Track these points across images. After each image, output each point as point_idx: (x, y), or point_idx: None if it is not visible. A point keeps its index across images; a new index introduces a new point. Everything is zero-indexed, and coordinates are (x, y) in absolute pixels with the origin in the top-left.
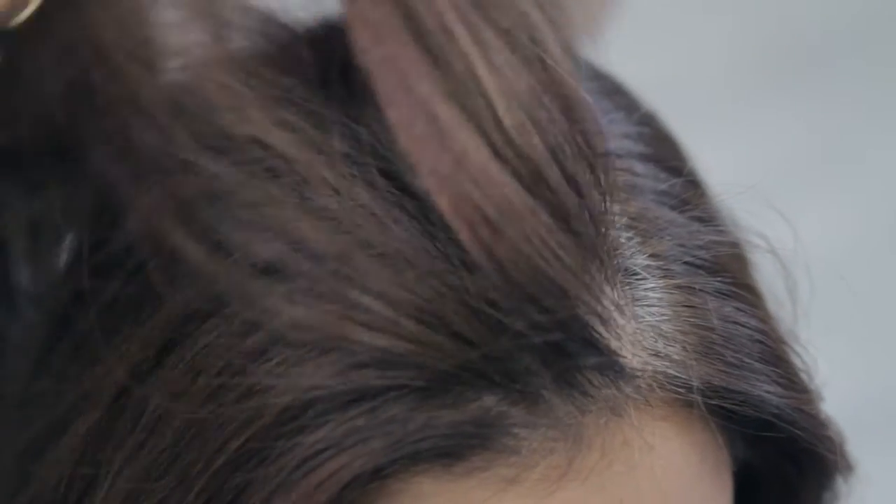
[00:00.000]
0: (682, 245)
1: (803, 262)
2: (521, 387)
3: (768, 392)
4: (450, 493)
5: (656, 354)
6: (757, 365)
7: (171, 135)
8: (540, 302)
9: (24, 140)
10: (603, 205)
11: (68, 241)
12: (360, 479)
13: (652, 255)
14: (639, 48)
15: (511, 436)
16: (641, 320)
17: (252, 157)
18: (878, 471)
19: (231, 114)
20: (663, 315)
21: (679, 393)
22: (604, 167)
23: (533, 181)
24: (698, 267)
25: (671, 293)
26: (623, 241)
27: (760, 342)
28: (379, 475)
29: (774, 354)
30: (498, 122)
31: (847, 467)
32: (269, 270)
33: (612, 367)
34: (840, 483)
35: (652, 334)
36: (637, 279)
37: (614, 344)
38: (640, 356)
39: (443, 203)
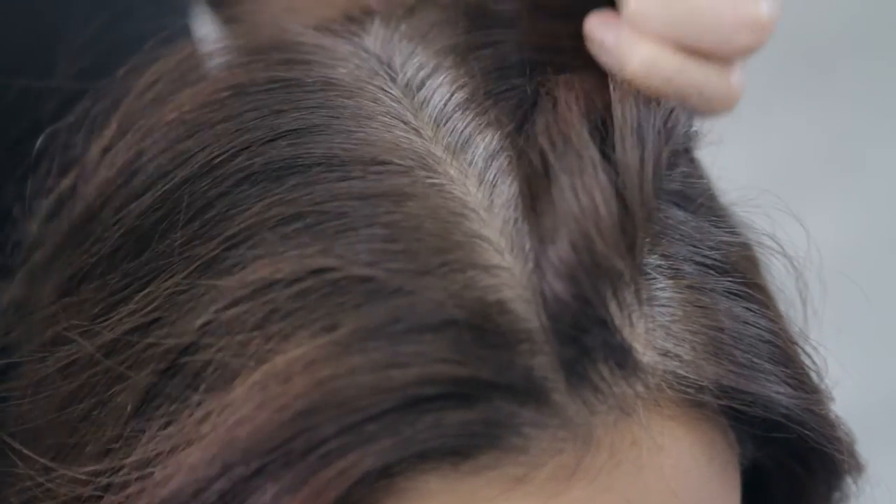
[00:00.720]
0: (692, 245)
1: (813, 263)
2: (532, 386)
3: (778, 392)
4: (457, 492)
5: (666, 354)
6: (766, 365)
7: None
8: (556, 302)
9: None
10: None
11: None
12: (368, 477)
13: (663, 256)
14: None
15: (520, 435)
16: (652, 320)
17: None
18: (887, 471)
19: None
20: (673, 315)
21: (688, 393)
22: None
23: None
24: (709, 267)
25: (681, 293)
26: None
27: (770, 342)
28: (387, 473)
29: (784, 355)
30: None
31: (856, 468)
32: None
33: (624, 361)
34: (849, 483)
35: (662, 334)
36: (648, 279)
37: (626, 342)
38: (650, 355)
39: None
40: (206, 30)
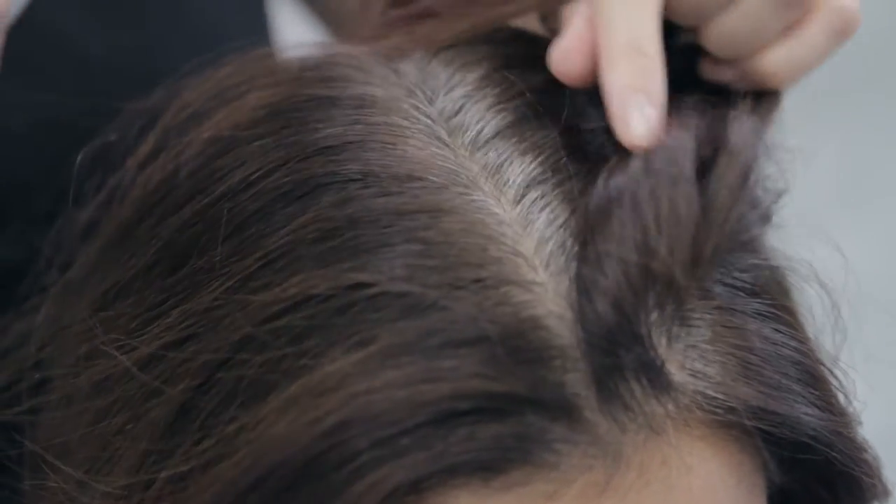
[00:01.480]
0: (722, 267)
1: (842, 286)
2: (563, 402)
3: (806, 414)
4: None
5: (696, 374)
6: (795, 387)
7: None
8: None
9: None
10: None
11: None
12: (399, 491)
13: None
14: None
15: (552, 451)
16: (683, 339)
17: None
18: None
19: None
20: (703, 335)
21: (718, 413)
22: None
23: None
24: (738, 289)
25: (711, 314)
26: None
27: (799, 364)
28: (417, 488)
29: (813, 377)
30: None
31: (883, 492)
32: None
33: (657, 378)
34: None
35: (693, 354)
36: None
37: (660, 359)
38: (680, 375)
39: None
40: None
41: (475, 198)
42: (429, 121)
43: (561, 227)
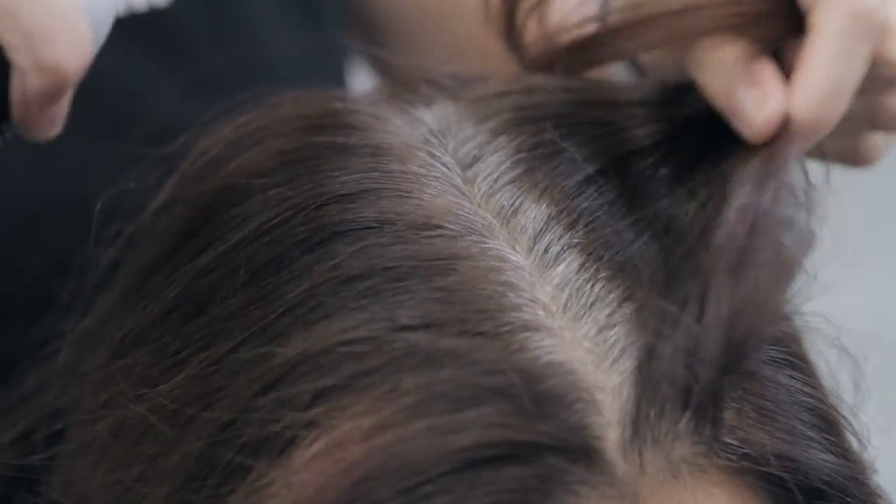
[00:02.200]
0: None
1: (855, 331)
2: (585, 445)
3: (821, 460)
4: None
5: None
6: (810, 432)
7: None
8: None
9: None
10: None
11: None
12: None
13: None
14: None
15: (571, 492)
16: None
17: None
18: None
19: None
20: None
21: (732, 459)
22: None
23: None
24: None
25: None
26: None
27: (813, 410)
28: None
29: (827, 423)
30: None
31: None
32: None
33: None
34: None
35: None
36: None
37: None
38: None
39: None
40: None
41: (491, 245)
42: (445, 169)
43: (577, 271)
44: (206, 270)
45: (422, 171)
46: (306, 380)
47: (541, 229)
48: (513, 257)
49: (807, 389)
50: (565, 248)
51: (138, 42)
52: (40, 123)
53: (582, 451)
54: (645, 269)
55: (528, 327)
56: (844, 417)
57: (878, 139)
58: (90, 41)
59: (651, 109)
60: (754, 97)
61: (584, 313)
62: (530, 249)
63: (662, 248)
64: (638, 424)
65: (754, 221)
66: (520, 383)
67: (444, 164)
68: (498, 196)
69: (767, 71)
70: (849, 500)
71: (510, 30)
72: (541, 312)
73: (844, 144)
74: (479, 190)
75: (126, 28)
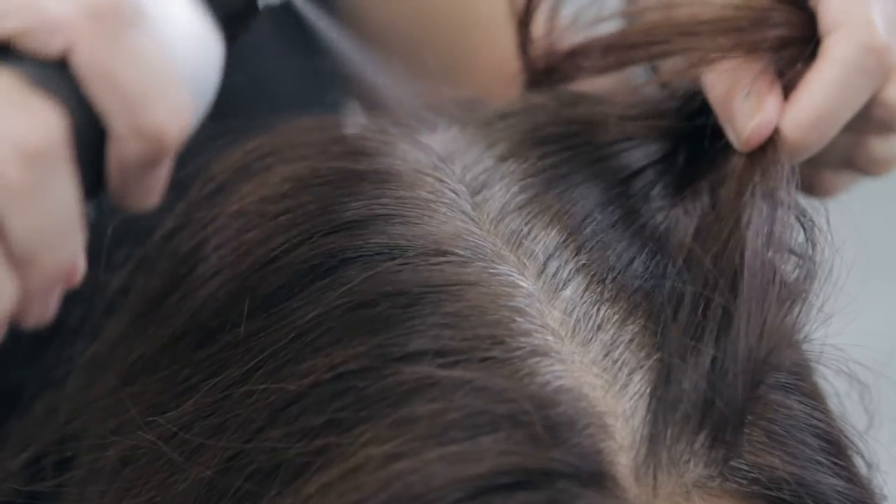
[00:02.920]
0: None
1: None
2: (597, 469)
3: (830, 485)
4: None
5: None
6: (819, 457)
7: None
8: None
9: None
10: None
11: None
12: None
13: None
14: None
15: None
16: None
17: None
18: None
19: None
20: None
21: (741, 483)
22: None
23: None
24: None
25: None
26: None
27: (822, 436)
28: None
29: (836, 448)
30: None
31: None
32: None
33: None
34: None
35: None
36: None
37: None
38: None
39: None
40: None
41: (500, 270)
42: (453, 194)
43: (583, 295)
44: (216, 297)
45: (431, 196)
46: (317, 407)
47: (549, 255)
48: (521, 283)
49: (816, 415)
50: (572, 272)
51: None
52: (137, 194)
53: (594, 476)
54: (646, 288)
55: (537, 353)
56: (853, 443)
57: (841, 179)
58: (190, 106)
59: (651, 124)
60: (749, 105)
61: (592, 337)
62: (539, 274)
63: (661, 266)
64: (653, 445)
65: (767, 244)
66: (531, 410)
67: (453, 190)
68: (506, 221)
69: (770, 85)
70: None
71: (524, 25)
72: (550, 338)
73: (810, 172)
74: (487, 215)
75: None
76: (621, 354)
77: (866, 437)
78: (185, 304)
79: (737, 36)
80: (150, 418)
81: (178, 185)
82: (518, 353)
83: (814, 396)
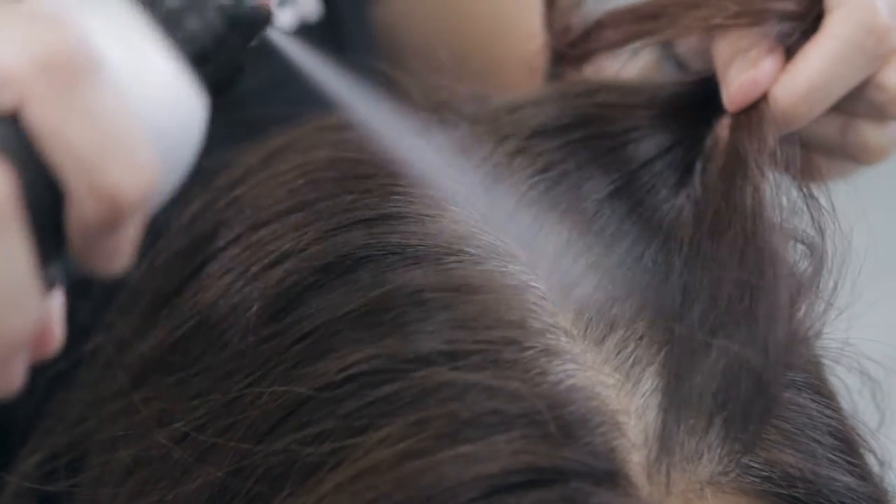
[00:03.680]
0: None
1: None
2: (611, 467)
3: (842, 482)
4: None
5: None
6: (831, 455)
7: None
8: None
9: None
10: None
11: None
12: None
13: None
14: None
15: None
16: None
17: None
18: None
19: None
20: None
21: (754, 482)
22: None
23: None
24: None
25: None
26: None
27: (834, 434)
28: None
29: (849, 446)
30: None
31: None
32: None
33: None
34: None
35: None
36: None
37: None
38: None
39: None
40: None
41: (513, 270)
42: (466, 192)
43: (594, 292)
44: (227, 295)
45: (443, 194)
46: (329, 408)
47: (561, 253)
48: (534, 282)
49: (828, 412)
50: (584, 270)
51: None
52: (102, 257)
53: (607, 475)
54: (655, 283)
55: (549, 352)
56: (865, 441)
57: (834, 165)
58: (152, 166)
59: (656, 113)
60: (743, 63)
61: (604, 336)
62: (551, 273)
63: (669, 259)
64: (665, 443)
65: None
66: (544, 409)
67: (465, 188)
68: (519, 219)
69: (770, 51)
70: None
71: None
72: (563, 338)
73: (803, 156)
74: (498, 213)
75: None
76: (633, 352)
77: (878, 435)
78: (195, 304)
79: (744, 3)
80: (160, 420)
81: (198, 177)
82: (530, 352)
83: (825, 394)
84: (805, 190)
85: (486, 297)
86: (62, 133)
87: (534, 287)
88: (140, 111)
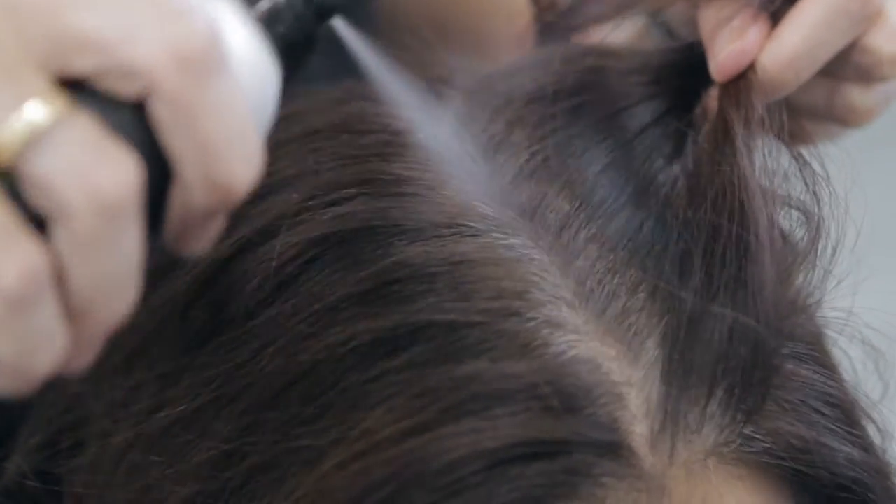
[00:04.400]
0: None
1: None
2: (613, 438)
3: (845, 454)
4: None
5: None
6: (832, 426)
7: None
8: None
9: None
10: None
11: None
12: None
13: None
14: None
15: (599, 485)
16: None
17: None
18: None
19: None
20: None
21: (757, 453)
22: None
23: None
24: None
25: None
26: None
27: (837, 406)
28: None
29: (851, 418)
30: None
31: None
32: None
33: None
34: None
35: None
36: None
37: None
38: None
39: None
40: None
41: (515, 242)
42: (465, 163)
43: (595, 263)
44: (226, 271)
45: (443, 166)
46: (330, 380)
47: (562, 224)
48: (536, 255)
49: (829, 383)
50: (585, 241)
51: None
52: (194, 240)
53: (609, 446)
54: (655, 253)
55: (551, 324)
56: (867, 412)
57: (821, 128)
58: (262, 156)
59: (649, 79)
60: (730, 34)
61: (606, 307)
62: (552, 244)
63: (668, 228)
64: (667, 413)
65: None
66: (546, 381)
67: (465, 159)
68: (519, 191)
69: (755, 19)
70: (871, 494)
71: None
72: (564, 309)
73: (790, 120)
74: (499, 184)
75: None
76: (634, 322)
77: (881, 406)
78: (194, 274)
79: None
80: (161, 394)
81: None
82: (532, 324)
83: (828, 365)
84: (798, 157)
85: (488, 270)
86: (192, 126)
87: (535, 259)
88: (250, 102)
